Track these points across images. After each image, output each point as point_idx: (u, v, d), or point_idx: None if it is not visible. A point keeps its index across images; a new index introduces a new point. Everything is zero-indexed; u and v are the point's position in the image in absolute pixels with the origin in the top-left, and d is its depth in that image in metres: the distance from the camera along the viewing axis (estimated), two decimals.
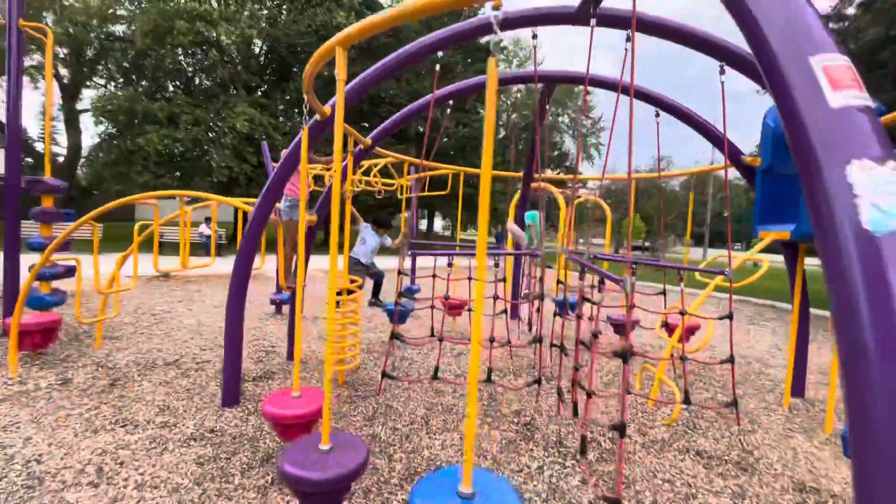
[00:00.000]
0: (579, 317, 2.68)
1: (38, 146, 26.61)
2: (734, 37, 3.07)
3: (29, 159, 23.34)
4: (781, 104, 0.89)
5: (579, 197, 14.06)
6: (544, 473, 2.73)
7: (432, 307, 4.44)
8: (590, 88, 3.98)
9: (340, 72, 1.85)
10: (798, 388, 4.19)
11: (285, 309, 7.13)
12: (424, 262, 10.94)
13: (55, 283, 4.87)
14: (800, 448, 3.29)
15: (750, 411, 3.92)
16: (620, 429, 1.90)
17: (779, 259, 4.47)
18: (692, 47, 3.06)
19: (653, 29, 2.69)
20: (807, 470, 2.99)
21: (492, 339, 3.32)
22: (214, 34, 15.34)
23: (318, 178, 7.54)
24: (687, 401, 3.16)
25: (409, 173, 7.33)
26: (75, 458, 2.67)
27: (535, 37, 3.27)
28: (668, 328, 5.07)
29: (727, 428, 3.55)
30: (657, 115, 4.47)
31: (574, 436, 3.24)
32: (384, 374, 3.58)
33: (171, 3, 16.06)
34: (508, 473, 2.72)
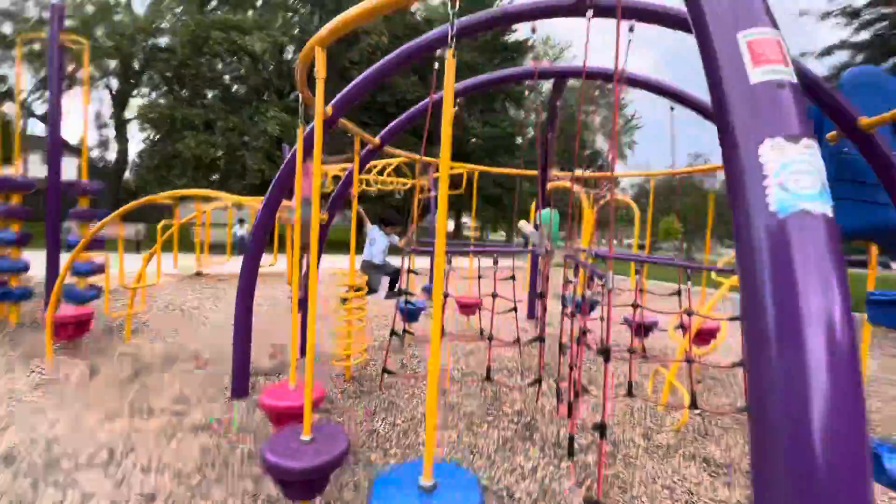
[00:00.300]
0: (573, 315, 2.61)
1: (94, 152, 28.54)
2: None
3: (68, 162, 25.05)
4: (709, 81, 0.85)
5: (604, 197, 13.73)
6: (537, 474, 2.68)
7: (444, 305, 4.43)
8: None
9: (320, 70, 1.89)
10: None
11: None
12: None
13: (90, 280, 5.21)
14: None
15: None
16: (601, 429, 1.85)
17: None
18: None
19: (649, 16, 2.60)
20: None
21: (490, 338, 3.30)
22: (248, 43, 15.98)
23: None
24: (694, 405, 3.02)
25: (425, 173, 7.38)
26: (91, 442, 2.84)
27: (534, 31, 3.23)
28: (685, 330, 4.86)
29: (744, 436, 3.37)
30: (672, 109, 4.31)
31: (575, 437, 3.16)
32: (384, 371, 3.62)
33: (209, 15, 16.85)
34: (501, 473, 2.69)
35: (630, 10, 2.64)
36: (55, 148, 5.24)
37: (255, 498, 2.38)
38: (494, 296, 3.53)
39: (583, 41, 2.72)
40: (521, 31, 25.00)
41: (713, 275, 5.30)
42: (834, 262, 0.64)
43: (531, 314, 6.97)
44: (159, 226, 5.48)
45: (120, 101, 22.54)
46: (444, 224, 1.47)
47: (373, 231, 4.52)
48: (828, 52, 14.93)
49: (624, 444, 3.11)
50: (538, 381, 3.21)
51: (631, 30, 2.94)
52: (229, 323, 6.36)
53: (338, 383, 4.04)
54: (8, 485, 2.36)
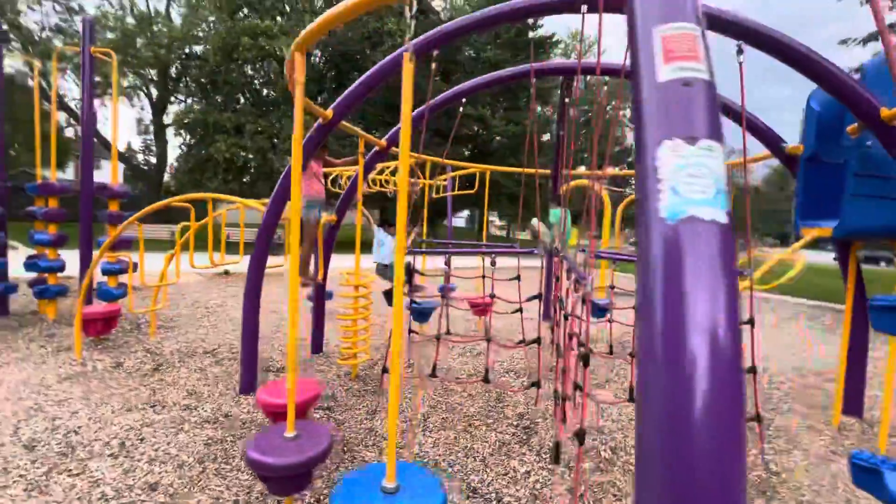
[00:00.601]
0: (566, 317, 2.56)
1: (139, 156, 30.15)
2: (750, 13, 2.78)
3: (102, 166, 26.47)
4: (631, 79, 0.81)
5: (625, 193, 13.36)
6: (530, 479, 2.65)
7: (447, 306, 4.44)
8: None
9: (299, 75, 1.93)
10: (854, 405, 3.68)
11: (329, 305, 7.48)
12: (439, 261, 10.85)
13: (121, 278, 5.51)
14: (841, 474, 2.89)
15: (789, 429, 3.51)
16: (580, 436, 1.80)
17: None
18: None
19: None
20: (843, 500, 2.63)
21: (489, 339, 3.27)
22: (275, 47, 16.46)
23: (334, 181, 7.84)
24: None
25: (439, 173, 7.39)
26: (106, 432, 3.01)
27: (533, 27, 3.16)
28: None
29: (756, 444, 3.20)
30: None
31: (573, 442, 3.09)
32: (384, 370, 3.64)
33: (239, 22, 17.45)
34: (493, 476, 2.67)
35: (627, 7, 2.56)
36: (87, 153, 5.56)
37: (250, 491, 2.46)
38: (492, 296, 3.50)
39: (610, 35, 2.68)
40: (546, 27, 24.61)
41: None
42: (723, 270, 0.60)
43: (547, 315, 6.86)
44: (178, 227, 5.73)
45: (159, 108, 23.68)
46: (404, 220, 1.47)
47: (379, 233, 4.57)
48: (874, 37, 13.96)
49: (625, 450, 3.02)
50: (536, 384, 3.16)
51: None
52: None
53: (343, 382, 4.11)
54: (25, 470, 2.53)
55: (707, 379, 0.57)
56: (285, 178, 3.51)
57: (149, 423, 3.17)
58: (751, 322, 2.86)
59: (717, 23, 2.60)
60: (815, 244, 3.47)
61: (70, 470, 2.56)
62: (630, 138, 42.96)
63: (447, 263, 6.92)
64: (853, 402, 3.67)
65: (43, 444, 2.82)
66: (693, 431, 0.56)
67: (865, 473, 1.72)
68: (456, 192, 7.55)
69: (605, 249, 7.80)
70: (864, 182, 2.88)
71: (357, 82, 3.33)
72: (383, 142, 4.41)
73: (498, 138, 24.33)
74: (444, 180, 8.05)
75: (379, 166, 6.63)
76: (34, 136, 5.44)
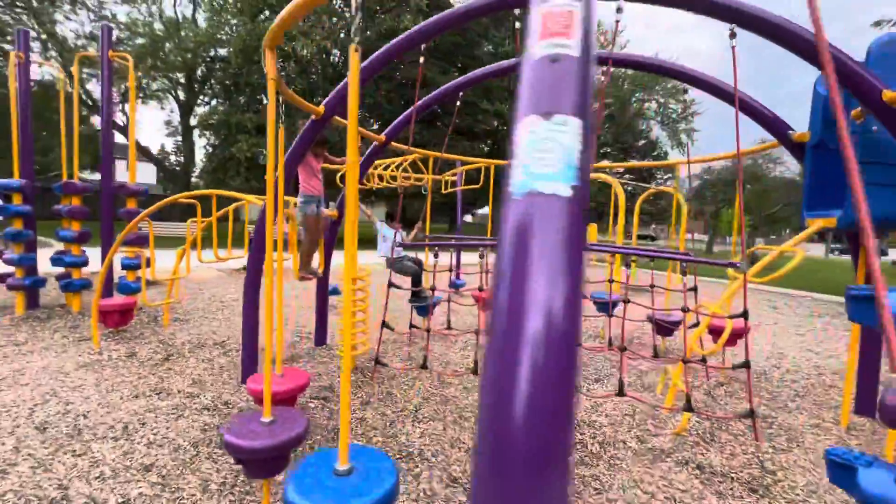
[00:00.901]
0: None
1: (172, 157, 31.37)
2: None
3: (131, 168, 27.47)
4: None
5: (648, 187, 13.02)
6: None
7: (449, 300, 4.47)
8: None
9: (270, 71, 1.98)
10: (866, 404, 3.51)
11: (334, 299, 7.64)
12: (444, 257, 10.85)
13: (138, 273, 5.76)
14: None
15: (794, 427, 3.38)
16: None
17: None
18: (697, 12, 2.72)
19: None
20: (841, 501, 2.52)
21: (477, 332, 3.28)
22: (294, 49, 16.77)
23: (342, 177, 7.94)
24: (689, 408, 2.82)
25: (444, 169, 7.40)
26: (112, 417, 3.17)
27: (519, 20, 3.13)
28: (712, 331, 4.53)
29: (753, 444, 3.10)
30: (685, 90, 4.00)
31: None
32: (376, 362, 3.71)
33: (260, 24, 17.87)
34: None
35: None
36: (107, 154, 5.83)
37: (238, 474, 2.56)
38: (480, 289, 3.50)
39: (637, 25, 2.66)
40: None
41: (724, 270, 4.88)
42: (563, 243, 0.60)
43: None
44: (187, 224, 5.94)
45: (186, 111, 24.54)
46: (354, 214, 1.49)
47: (382, 227, 4.64)
48: None
49: (614, 445, 2.98)
50: None
51: (619, 10, 2.79)
52: (260, 314, 6.79)
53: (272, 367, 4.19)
54: (34, 450, 2.70)
55: (539, 349, 0.57)
56: (285, 174, 3.59)
57: (152, 409, 3.32)
58: (744, 315, 2.77)
59: (701, 4, 2.52)
60: (823, 238, 3.31)
61: (74, 450, 2.72)
62: (656, 130, 41.82)
63: (457, 258, 6.93)
64: (865, 401, 3.50)
65: (53, 426, 3.00)
66: (518, 396, 0.57)
67: (840, 470, 1.65)
68: (463, 187, 7.55)
69: (599, 242, 7.65)
70: (868, 169, 2.73)
71: (345, 80, 3.37)
72: (382, 136, 4.46)
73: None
74: (454, 175, 8.05)
75: (385, 162, 6.69)
76: (70, 140, 5.73)
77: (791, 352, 5.60)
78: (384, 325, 3.65)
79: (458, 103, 4.20)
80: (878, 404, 1.49)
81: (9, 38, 17.89)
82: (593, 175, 10.75)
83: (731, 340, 4.57)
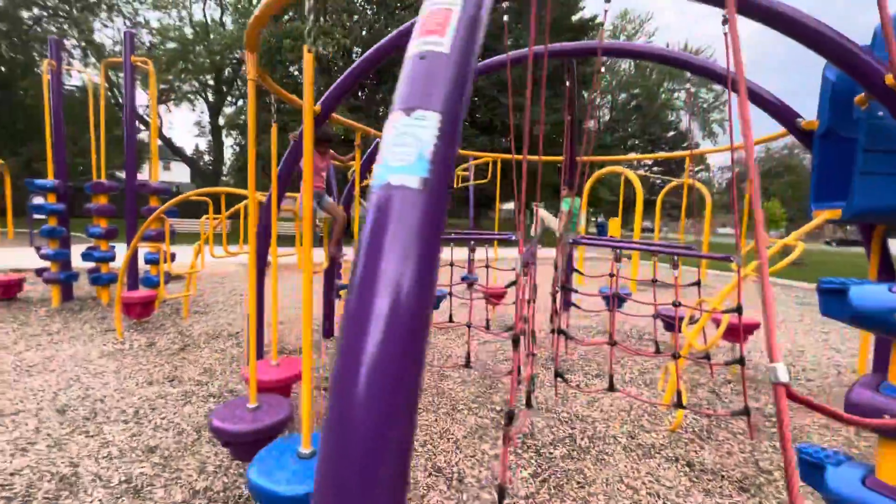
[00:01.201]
0: (531, 301, 2.54)
1: (205, 158, 32.57)
2: None
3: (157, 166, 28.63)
4: None
5: (669, 180, 12.63)
6: (496, 461, 2.68)
7: (450, 294, 4.51)
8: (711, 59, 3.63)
9: (250, 72, 2.07)
10: None
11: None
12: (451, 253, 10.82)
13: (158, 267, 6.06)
14: None
15: (800, 427, 3.27)
16: (508, 416, 1.81)
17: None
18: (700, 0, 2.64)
19: None
20: None
21: (469, 325, 3.30)
22: (316, 48, 17.03)
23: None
24: (680, 405, 2.76)
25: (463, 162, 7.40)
26: (126, 402, 3.38)
27: (508, 13, 3.12)
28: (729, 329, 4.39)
29: (752, 443, 3.02)
30: (687, 87, 3.88)
31: (551, 429, 3.07)
32: None
33: (282, 26, 18.30)
34: (461, 458, 2.72)
35: None
36: (130, 154, 6.14)
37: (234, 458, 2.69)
38: (473, 283, 3.51)
39: (668, 13, 2.62)
40: (587, 10, 23.60)
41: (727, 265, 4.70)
42: (415, 232, 0.63)
43: (568, 304, 6.73)
44: (202, 220, 6.19)
45: (215, 111, 25.42)
46: (308, 208, 1.55)
47: None
48: None
49: (604, 440, 2.96)
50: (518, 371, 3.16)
51: (607, 0, 2.74)
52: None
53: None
54: (53, 430, 2.92)
55: (387, 324, 0.61)
56: (282, 173, 3.71)
57: (163, 396, 3.51)
58: (738, 310, 2.69)
59: None
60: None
61: (88, 431, 2.92)
62: (686, 121, 40.30)
63: (471, 253, 6.98)
64: None
65: (72, 409, 3.23)
66: (364, 367, 0.60)
67: (810, 468, 1.60)
68: (474, 182, 7.56)
69: (584, 235, 7.47)
70: (874, 158, 2.59)
71: (345, 73, 3.44)
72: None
73: (538, 126, 23.80)
74: (465, 170, 8.06)
75: None
76: (110, 142, 6.08)
77: (812, 349, 5.36)
78: None
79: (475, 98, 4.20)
80: (844, 401, 1.43)
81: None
82: (612, 169, 10.50)
83: (743, 337, 4.42)
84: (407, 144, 0.67)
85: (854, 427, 3.24)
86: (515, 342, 1.84)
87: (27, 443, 2.76)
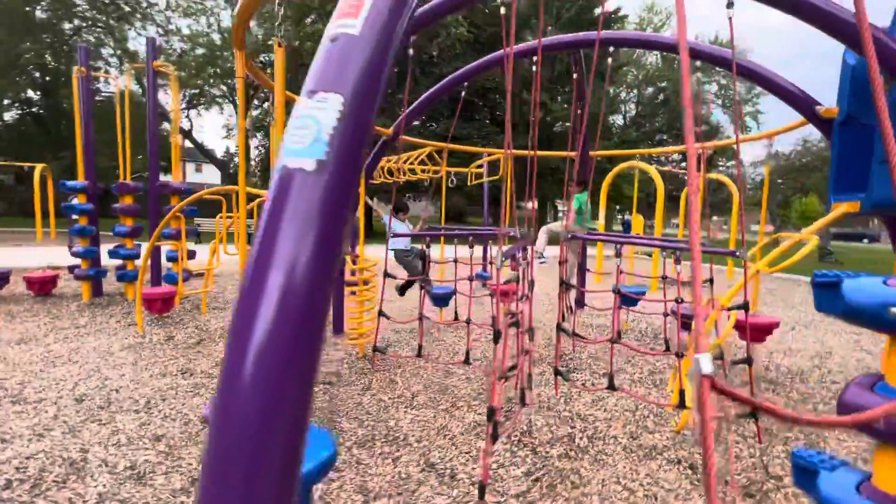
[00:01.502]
0: (525, 297, 2.50)
1: (235, 160, 33.63)
2: None
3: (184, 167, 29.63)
4: None
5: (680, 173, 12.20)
6: (490, 459, 2.65)
7: (455, 291, 4.51)
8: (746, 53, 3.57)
9: (238, 70, 2.11)
10: None
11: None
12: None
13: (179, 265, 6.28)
14: None
15: (818, 432, 3.09)
16: (489, 412, 1.79)
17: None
18: None
19: None
20: None
21: (468, 321, 3.27)
22: None
23: None
24: (682, 405, 2.66)
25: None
26: (138, 392, 3.52)
27: (503, 4, 3.08)
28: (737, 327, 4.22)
29: (762, 447, 2.88)
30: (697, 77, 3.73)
31: (550, 428, 3.02)
32: (374, 349, 3.81)
33: (304, 28, 18.67)
34: (455, 454, 2.71)
35: None
36: (153, 156, 6.39)
37: None
38: (470, 279, 3.49)
39: (697, 5, 2.56)
40: (609, 3, 23.03)
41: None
42: (311, 213, 0.63)
43: (580, 303, 6.61)
44: (216, 219, 6.38)
45: (242, 114, 26.17)
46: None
47: (387, 218, 4.74)
48: None
49: (604, 440, 2.88)
50: (514, 367, 3.11)
51: None
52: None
53: (352, 360, 4.35)
54: (69, 417, 3.07)
55: (279, 301, 0.61)
56: None
57: (174, 387, 3.64)
58: (745, 307, 2.57)
59: None
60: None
61: (101, 420, 3.05)
62: (718, 114, 38.90)
63: (484, 250, 6.90)
64: None
65: (89, 398, 3.38)
66: (253, 343, 0.61)
67: (804, 473, 1.50)
68: (486, 179, 7.49)
69: (603, 233, 7.27)
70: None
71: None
72: (390, 130, 4.54)
73: (560, 123, 23.47)
74: (479, 167, 8.01)
75: (406, 155, 6.79)
76: (144, 145, 6.37)
77: (841, 351, 5.08)
78: (380, 314, 3.74)
79: (463, 94, 4.18)
80: (837, 401, 1.35)
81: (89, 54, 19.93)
82: (629, 164, 10.24)
83: (761, 336, 4.24)
84: (306, 127, 0.66)
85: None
86: (496, 337, 1.81)
87: (44, 429, 2.90)
